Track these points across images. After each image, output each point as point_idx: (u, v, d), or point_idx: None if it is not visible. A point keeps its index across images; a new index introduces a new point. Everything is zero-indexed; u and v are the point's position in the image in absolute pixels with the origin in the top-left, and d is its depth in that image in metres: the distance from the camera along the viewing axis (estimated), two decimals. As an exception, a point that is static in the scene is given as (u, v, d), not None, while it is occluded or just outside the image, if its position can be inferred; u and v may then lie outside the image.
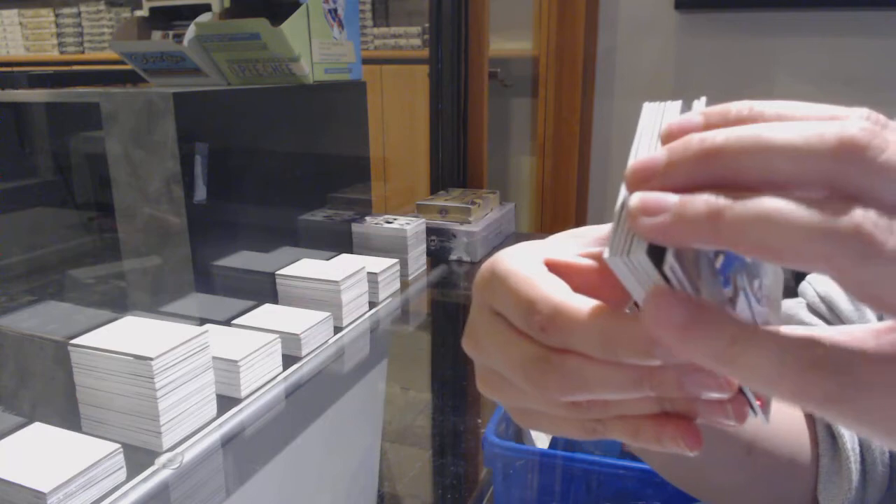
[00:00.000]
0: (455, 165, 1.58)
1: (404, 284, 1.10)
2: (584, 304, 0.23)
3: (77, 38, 3.21)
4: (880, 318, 0.34)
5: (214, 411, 0.70)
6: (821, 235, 0.17)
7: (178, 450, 0.65)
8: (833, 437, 0.42)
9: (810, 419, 0.43)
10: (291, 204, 1.05)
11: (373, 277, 1.01)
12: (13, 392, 0.76)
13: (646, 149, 0.22)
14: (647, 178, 0.20)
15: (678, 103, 0.23)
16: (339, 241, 1.14)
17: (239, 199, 0.93)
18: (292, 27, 1.00)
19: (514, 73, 2.34)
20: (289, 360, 0.81)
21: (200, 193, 0.83)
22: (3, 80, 1.21)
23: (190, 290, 0.84)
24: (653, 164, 0.20)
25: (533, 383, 0.24)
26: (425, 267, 1.21)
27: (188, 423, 0.67)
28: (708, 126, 0.20)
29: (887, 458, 0.42)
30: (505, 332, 0.25)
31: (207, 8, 1.06)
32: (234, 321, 0.84)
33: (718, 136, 0.19)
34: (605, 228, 0.26)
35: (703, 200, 0.19)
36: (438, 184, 1.59)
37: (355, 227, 1.16)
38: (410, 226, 1.14)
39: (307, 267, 0.96)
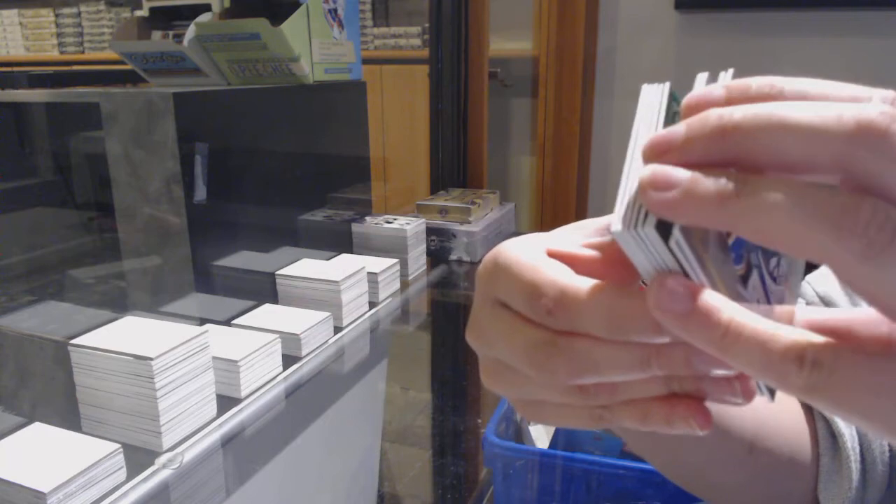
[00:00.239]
0: (455, 165, 1.58)
1: (404, 284, 1.10)
2: (590, 285, 0.23)
3: (77, 38, 3.21)
4: None
5: (214, 411, 0.70)
6: (823, 230, 0.17)
7: (178, 450, 0.65)
8: (833, 437, 0.42)
9: (811, 418, 0.43)
10: (291, 204, 1.05)
11: (373, 277, 1.01)
12: (13, 392, 0.76)
13: (646, 132, 0.22)
14: (665, 152, 0.20)
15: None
16: (339, 241, 1.14)
17: (239, 199, 0.93)
18: (292, 27, 1.00)
19: (514, 73, 2.34)
20: (289, 360, 0.81)
21: (200, 193, 0.83)
22: (3, 80, 1.21)
23: (190, 290, 0.84)
24: (671, 138, 0.20)
25: (539, 368, 0.24)
26: (425, 267, 1.21)
27: (188, 423, 0.67)
28: (729, 101, 0.20)
29: (887, 458, 0.42)
30: (509, 320, 0.25)
31: (207, 8, 1.06)
32: (234, 321, 0.84)
33: (736, 113, 0.19)
34: (606, 219, 0.26)
35: (713, 181, 0.19)
36: (438, 184, 1.59)
37: (355, 227, 1.16)
38: (410, 226, 1.14)
39: (307, 267, 0.96)
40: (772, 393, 0.24)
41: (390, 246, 1.14)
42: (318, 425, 0.76)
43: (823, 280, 0.46)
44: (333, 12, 1.11)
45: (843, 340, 0.19)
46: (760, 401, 0.24)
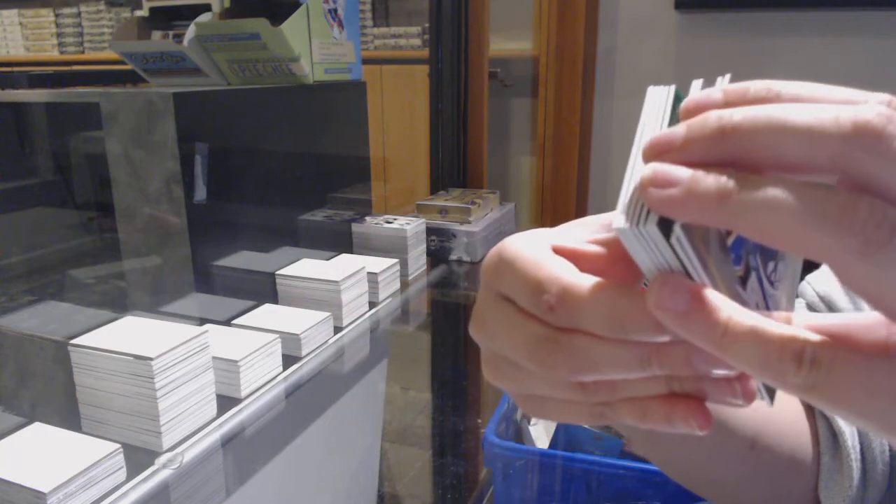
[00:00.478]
0: (455, 165, 1.58)
1: (404, 284, 1.10)
2: (592, 283, 0.23)
3: (77, 38, 3.21)
4: None
5: (214, 411, 0.70)
6: (821, 227, 0.17)
7: (178, 450, 0.65)
8: (834, 435, 0.42)
9: (811, 416, 0.43)
10: (291, 204, 1.05)
11: (373, 277, 1.01)
12: (13, 392, 0.76)
13: (651, 132, 0.22)
14: (665, 151, 0.20)
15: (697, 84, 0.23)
16: (339, 241, 1.14)
17: (239, 199, 0.93)
18: (292, 27, 1.00)
19: (514, 73, 2.34)
20: (289, 360, 0.81)
21: (200, 193, 0.83)
22: (3, 80, 1.21)
23: (190, 290, 0.84)
24: (672, 137, 0.20)
25: (540, 364, 0.24)
26: (425, 267, 1.21)
27: (188, 423, 0.67)
28: (727, 103, 0.21)
29: (888, 457, 0.42)
30: (512, 315, 0.25)
31: (207, 8, 1.06)
32: (234, 321, 0.84)
33: (736, 115, 0.19)
34: (610, 216, 0.26)
35: (714, 179, 0.19)
36: (438, 184, 1.59)
37: (355, 227, 1.16)
38: (410, 226, 1.14)
39: (307, 267, 0.96)
40: (771, 396, 0.24)
41: (390, 246, 1.14)
42: (318, 425, 0.76)
43: (824, 280, 0.46)
44: (333, 12, 1.11)
45: (841, 343, 0.19)
46: (760, 403, 0.24)
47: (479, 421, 0.81)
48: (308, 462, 0.72)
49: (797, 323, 0.23)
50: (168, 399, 0.64)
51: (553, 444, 0.77)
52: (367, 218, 1.19)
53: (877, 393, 0.18)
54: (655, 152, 0.21)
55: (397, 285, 1.08)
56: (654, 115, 0.22)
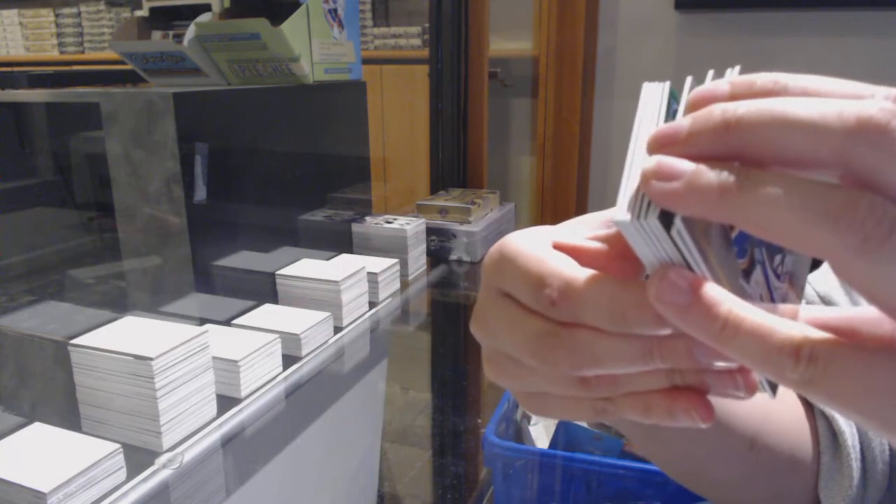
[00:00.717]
0: (455, 165, 1.58)
1: (404, 284, 1.10)
2: (594, 277, 0.23)
3: (77, 38, 3.21)
4: None
5: (214, 411, 0.70)
6: (820, 224, 0.17)
7: (178, 450, 0.65)
8: (834, 435, 0.42)
9: (811, 416, 0.43)
10: (291, 204, 1.05)
11: (373, 277, 1.01)
12: (13, 392, 0.76)
13: (648, 127, 0.22)
14: (669, 144, 0.20)
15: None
16: (339, 241, 1.14)
17: (239, 199, 0.93)
18: (292, 27, 1.00)
19: (514, 73, 2.34)
20: (289, 360, 0.81)
21: (200, 193, 0.83)
22: (3, 80, 1.21)
23: (190, 290, 0.84)
24: (676, 130, 0.20)
25: (542, 359, 0.24)
26: (425, 267, 1.21)
27: (188, 423, 0.67)
28: (733, 96, 0.21)
29: (887, 457, 0.42)
30: (513, 311, 0.25)
31: (207, 8, 1.06)
32: (234, 321, 0.84)
33: (740, 108, 0.19)
34: (611, 212, 0.26)
35: (715, 174, 0.19)
36: (438, 184, 1.59)
37: (355, 227, 1.16)
38: (410, 226, 1.14)
39: (307, 267, 0.96)
40: (773, 389, 0.24)
41: (390, 246, 1.14)
42: (318, 425, 0.76)
43: (824, 279, 0.46)
44: (333, 12, 1.11)
45: (845, 338, 0.19)
46: (762, 396, 0.24)
47: (479, 421, 0.81)
48: (308, 462, 0.72)
49: (803, 315, 0.23)
50: (168, 399, 0.63)
51: (553, 444, 0.77)
52: (367, 218, 1.19)
53: (876, 390, 0.18)
54: (660, 144, 0.21)
55: (397, 285, 1.08)
56: (650, 110, 0.22)
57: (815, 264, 0.22)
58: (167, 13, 1.13)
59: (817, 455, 0.42)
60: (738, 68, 0.23)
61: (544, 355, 0.24)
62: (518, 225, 1.59)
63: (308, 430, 0.75)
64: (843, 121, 0.18)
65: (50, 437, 0.60)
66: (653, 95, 0.23)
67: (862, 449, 0.41)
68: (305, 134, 1.08)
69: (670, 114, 0.22)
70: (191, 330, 0.67)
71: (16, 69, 1.61)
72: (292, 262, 0.98)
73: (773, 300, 0.24)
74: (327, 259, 1.02)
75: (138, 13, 1.14)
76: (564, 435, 0.78)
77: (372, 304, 1.00)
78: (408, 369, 1.01)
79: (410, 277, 1.15)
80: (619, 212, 0.21)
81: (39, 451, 0.58)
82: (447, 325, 1.14)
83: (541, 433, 0.78)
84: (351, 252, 1.14)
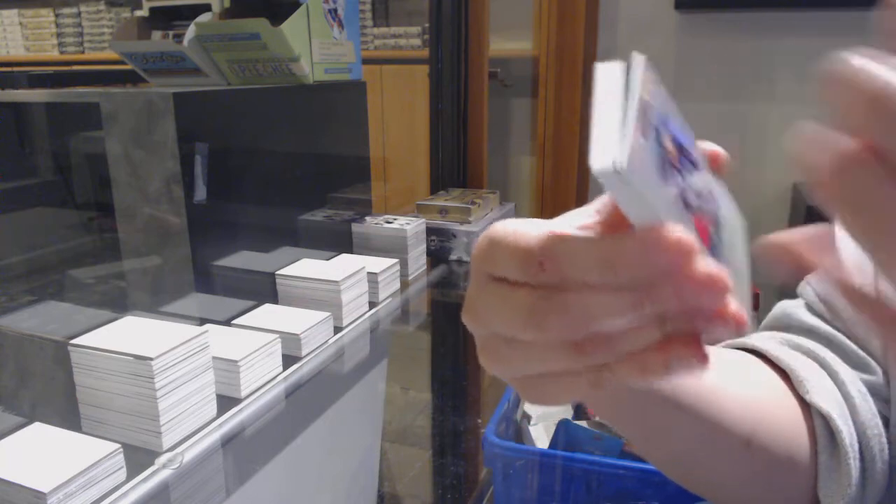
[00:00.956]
0: (455, 165, 1.58)
1: (404, 284, 1.10)
2: (578, 235, 0.24)
3: (77, 38, 3.21)
4: None
5: (214, 411, 0.70)
6: None
7: (178, 450, 0.65)
8: (831, 433, 0.42)
9: (808, 415, 0.43)
10: (291, 204, 1.05)
11: (373, 277, 1.01)
12: (13, 392, 0.76)
13: (611, 109, 0.22)
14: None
15: (640, 59, 0.23)
16: (339, 241, 1.14)
17: (239, 199, 0.93)
18: (292, 27, 1.00)
19: (514, 73, 2.34)
20: (289, 360, 0.81)
21: (200, 193, 0.83)
22: (3, 80, 1.21)
23: (190, 290, 0.84)
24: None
25: (536, 327, 0.24)
26: (425, 267, 1.21)
27: (188, 423, 0.67)
28: None
29: (887, 456, 0.42)
30: (504, 290, 0.26)
31: (207, 8, 1.06)
32: (234, 321, 0.84)
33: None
34: (600, 201, 0.27)
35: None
36: (438, 184, 1.59)
37: (355, 227, 1.16)
38: (410, 226, 1.14)
39: (307, 267, 0.96)
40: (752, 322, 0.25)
41: (390, 246, 1.14)
42: (318, 425, 0.76)
43: (823, 280, 0.46)
44: (333, 12, 1.11)
45: None
46: (755, 394, 0.24)
47: (479, 421, 0.81)
48: (308, 462, 0.72)
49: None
50: (168, 399, 0.64)
51: (553, 444, 0.77)
52: (367, 218, 1.19)
53: None
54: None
55: (397, 285, 1.08)
56: (612, 93, 0.23)
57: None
58: (167, 13, 1.13)
59: (815, 454, 0.42)
60: (643, 58, 0.23)
61: (538, 323, 0.24)
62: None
63: (308, 430, 0.75)
64: None
65: (50, 437, 0.60)
66: (610, 77, 0.23)
67: (860, 448, 0.41)
68: (305, 134, 1.08)
69: (627, 90, 0.23)
70: (191, 330, 0.67)
71: (16, 69, 1.61)
72: (292, 262, 0.98)
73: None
74: (327, 259, 1.02)
75: (138, 13, 1.14)
76: (564, 435, 0.78)
77: (372, 304, 1.01)
78: (408, 369, 1.01)
79: (410, 277, 1.15)
80: (594, 160, 0.21)
81: (39, 451, 0.58)
82: (447, 325, 1.14)
83: (541, 433, 0.78)
84: (351, 252, 1.14)
